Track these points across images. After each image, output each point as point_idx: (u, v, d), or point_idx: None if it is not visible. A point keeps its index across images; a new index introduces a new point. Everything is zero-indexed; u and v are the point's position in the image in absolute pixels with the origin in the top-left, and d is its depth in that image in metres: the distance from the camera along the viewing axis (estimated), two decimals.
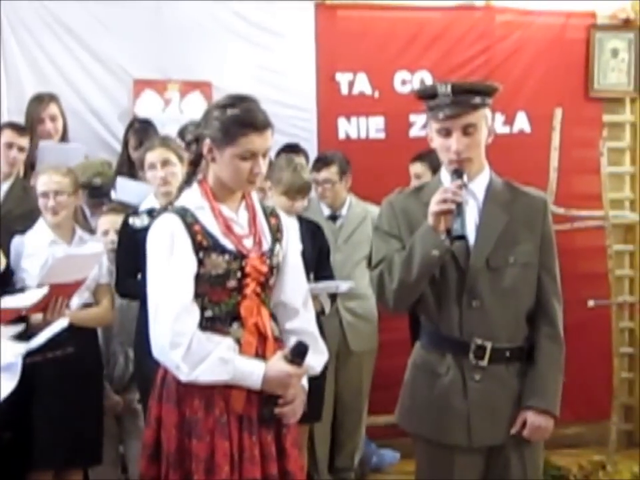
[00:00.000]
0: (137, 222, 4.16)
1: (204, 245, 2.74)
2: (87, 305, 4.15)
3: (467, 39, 5.89)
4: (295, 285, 2.96)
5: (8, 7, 5.18)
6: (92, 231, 4.47)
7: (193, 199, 2.82)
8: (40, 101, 4.97)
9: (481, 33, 5.92)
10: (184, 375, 2.69)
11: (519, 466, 3.01)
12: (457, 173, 2.93)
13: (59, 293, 3.74)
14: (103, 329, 4.33)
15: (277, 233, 2.92)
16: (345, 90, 5.74)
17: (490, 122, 3.01)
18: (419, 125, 5.74)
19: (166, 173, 4.16)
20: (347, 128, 5.77)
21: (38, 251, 4.05)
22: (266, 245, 2.86)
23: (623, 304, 5.96)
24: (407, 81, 5.79)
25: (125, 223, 4.19)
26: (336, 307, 4.77)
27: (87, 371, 4.10)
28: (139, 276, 4.17)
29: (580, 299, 5.49)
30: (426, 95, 3.00)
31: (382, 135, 5.80)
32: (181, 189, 2.91)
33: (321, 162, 5.06)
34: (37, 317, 3.78)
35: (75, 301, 4.00)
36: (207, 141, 2.79)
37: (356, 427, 5.18)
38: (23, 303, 3.46)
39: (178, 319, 2.68)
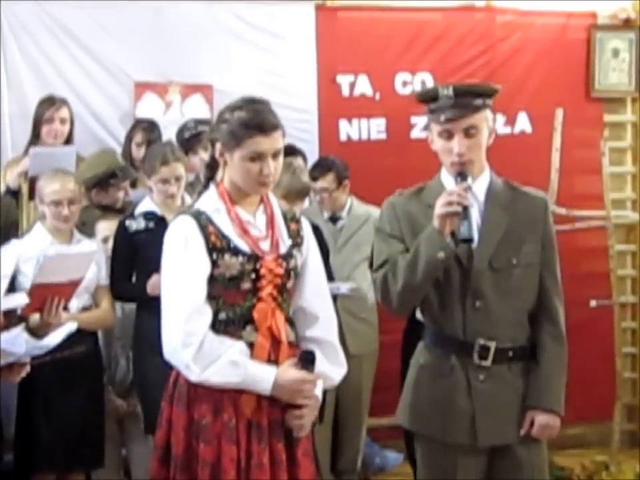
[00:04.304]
0: (133, 224, 4.18)
1: (217, 246, 2.75)
2: (85, 308, 4.15)
3: (467, 40, 5.89)
4: (314, 291, 2.95)
5: (9, 10, 5.18)
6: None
7: (209, 201, 2.83)
8: (52, 102, 4.91)
9: (482, 33, 5.92)
10: (194, 375, 2.69)
11: (527, 466, 3.03)
12: (462, 176, 2.94)
13: (55, 293, 3.72)
14: (103, 331, 4.33)
15: (296, 238, 2.91)
16: (346, 92, 5.74)
17: (491, 122, 3.02)
18: (420, 126, 5.73)
19: (177, 187, 4.18)
20: (348, 130, 5.76)
21: (36, 255, 4.02)
22: (283, 248, 2.85)
23: (625, 304, 5.96)
24: (407, 83, 5.79)
25: (121, 226, 4.20)
26: (335, 309, 4.73)
27: (87, 373, 4.10)
28: (134, 278, 4.19)
29: (582, 300, 5.48)
30: (427, 98, 3.02)
31: (383, 137, 5.79)
32: (200, 192, 2.93)
33: (317, 171, 4.97)
34: (35, 318, 3.78)
35: (75, 303, 3.99)
36: (218, 145, 2.81)
37: (357, 430, 5.16)
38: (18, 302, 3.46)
39: (189, 319, 2.69)
